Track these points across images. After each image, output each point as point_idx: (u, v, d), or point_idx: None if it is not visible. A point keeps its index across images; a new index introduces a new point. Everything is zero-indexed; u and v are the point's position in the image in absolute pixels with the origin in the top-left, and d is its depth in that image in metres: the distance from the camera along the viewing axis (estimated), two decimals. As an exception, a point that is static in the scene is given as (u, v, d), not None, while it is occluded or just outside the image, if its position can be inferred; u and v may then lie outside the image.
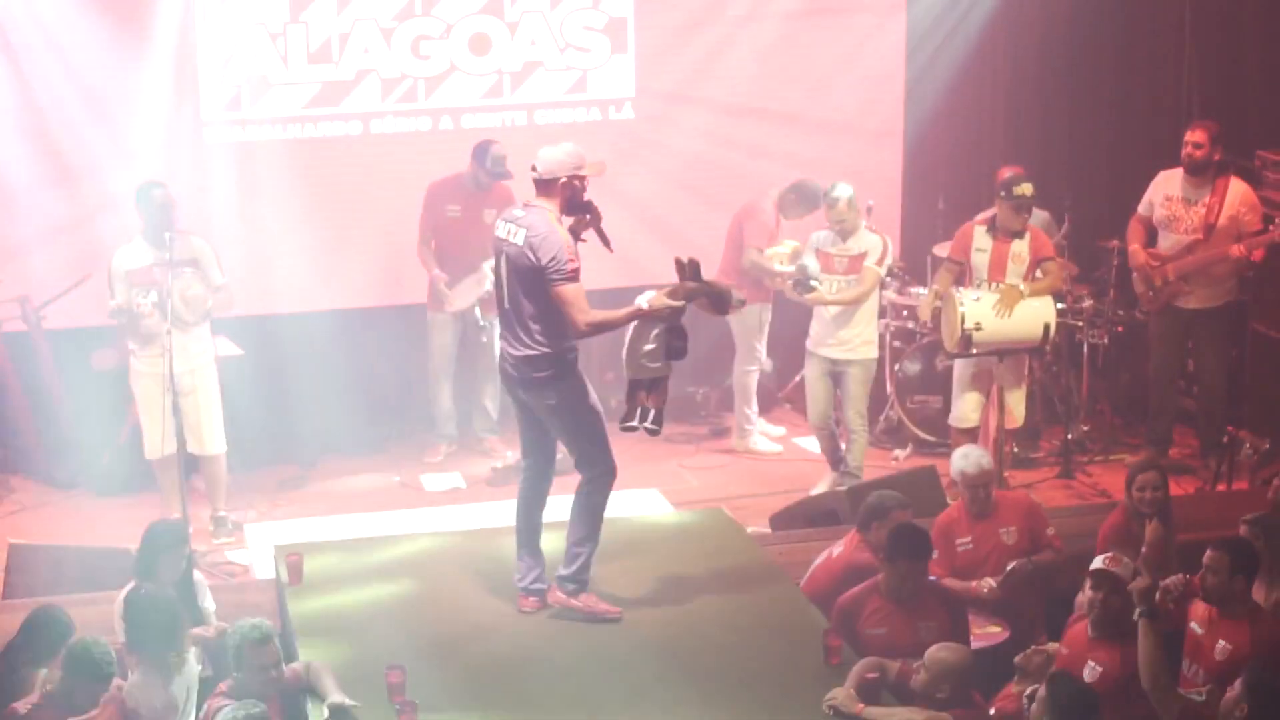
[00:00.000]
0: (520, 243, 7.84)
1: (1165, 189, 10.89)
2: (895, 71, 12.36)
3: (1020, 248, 10.49)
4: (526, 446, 8.28)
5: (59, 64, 11.09)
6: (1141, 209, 11.03)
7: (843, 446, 10.94)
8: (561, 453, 8.33)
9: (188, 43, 11.28)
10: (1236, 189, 10.73)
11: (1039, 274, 10.46)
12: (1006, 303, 10.27)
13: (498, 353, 10.44)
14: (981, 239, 10.60)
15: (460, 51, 11.69)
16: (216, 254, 10.15)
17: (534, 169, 7.99)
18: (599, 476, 8.07)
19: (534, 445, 8.22)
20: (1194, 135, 10.72)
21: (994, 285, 10.43)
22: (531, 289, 7.85)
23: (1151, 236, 11.00)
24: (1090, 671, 7.20)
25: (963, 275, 10.65)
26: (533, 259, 7.78)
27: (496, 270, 8.10)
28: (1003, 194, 10.51)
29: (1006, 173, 10.87)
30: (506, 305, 8.02)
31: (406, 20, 11.57)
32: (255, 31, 11.38)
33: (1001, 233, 10.52)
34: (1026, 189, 10.45)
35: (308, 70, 11.50)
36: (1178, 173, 10.83)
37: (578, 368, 8.02)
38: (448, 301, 11.22)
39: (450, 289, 11.19)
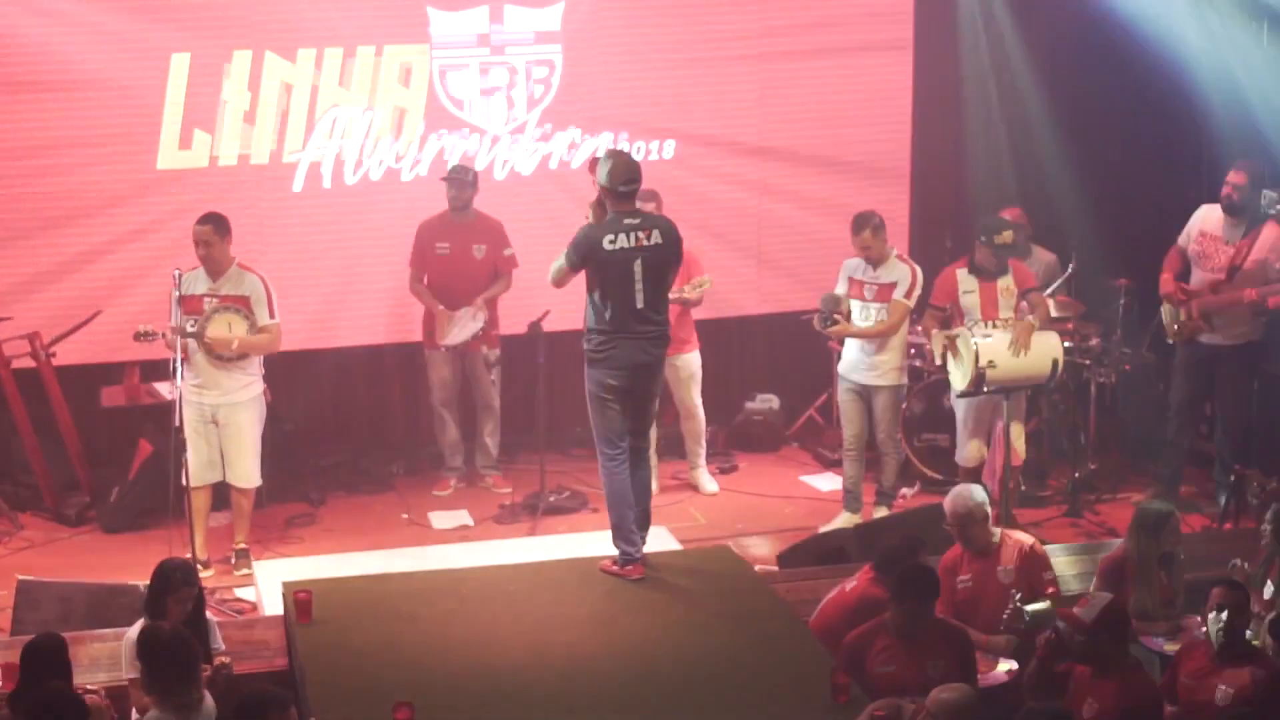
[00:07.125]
0: (661, 241, 8.76)
1: (1202, 224, 10.87)
2: (902, 110, 12.39)
3: (1007, 282, 10.58)
4: (639, 429, 9.09)
5: (68, 102, 11.14)
6: (1181, 240, 11.00)
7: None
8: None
9: (196, 86, 11.33)
10: (1270, 234, 10.65)
11: (1026, 304, 10.50)
12: (1022, 339, 10.27)
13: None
14: (966, 281, 10.63)
15: (473, 94, 11.75)
16: (271, 293, 10.16)
17: (635, 183, 8.78)
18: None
19: (642, 428, 9.15)
20: (1235, 177, 10.67)
21: (989, 324, 10.46)
22: (668, 279, 8.88)
23: (1188, 268, 10.99)
24: (1089, 707, 7.22)
25: (948, 321, 10.68)
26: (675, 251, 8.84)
27: (628, 271, 8.67)
28: (982, 238, 10.57)
29: (1005, 217, 10.94)
30: (641, 305, 8.71)
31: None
32: (266, 79, 11.46)
33: (983, 273, 10.57)
34: (1008, 237, 10.54)
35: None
36: (1217, 208, 10.83)
37: None
38: (441, 335, 11.23)
39: (448, 324, 11.20)
